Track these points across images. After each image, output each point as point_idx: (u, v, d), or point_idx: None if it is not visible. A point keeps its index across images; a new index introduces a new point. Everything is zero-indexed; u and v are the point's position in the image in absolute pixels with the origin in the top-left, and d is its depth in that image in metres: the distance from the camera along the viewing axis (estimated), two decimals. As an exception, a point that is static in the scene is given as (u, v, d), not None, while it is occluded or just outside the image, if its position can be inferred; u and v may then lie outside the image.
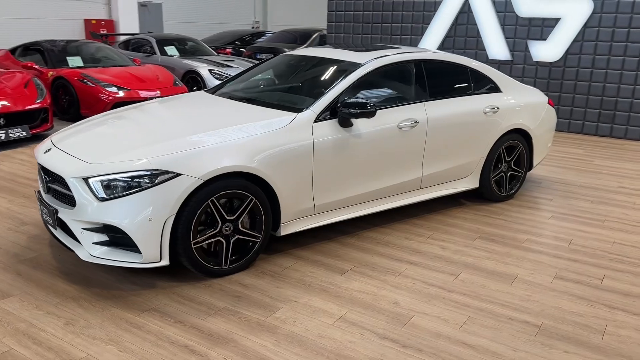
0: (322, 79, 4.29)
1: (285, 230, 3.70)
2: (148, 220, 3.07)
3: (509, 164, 5.04)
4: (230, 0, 18.85)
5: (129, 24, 14.72)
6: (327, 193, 3.83)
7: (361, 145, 3.92)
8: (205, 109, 4.02)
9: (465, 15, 9.34)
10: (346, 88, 3.95)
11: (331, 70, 4.30)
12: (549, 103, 5.42)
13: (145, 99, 8.14)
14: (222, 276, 3.42)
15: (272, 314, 3.01)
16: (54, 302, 3.08)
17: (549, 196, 5.30)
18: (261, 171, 3.40)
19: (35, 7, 13.01)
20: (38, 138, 6.96)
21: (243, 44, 15.66)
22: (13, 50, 9.64)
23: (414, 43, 9.90)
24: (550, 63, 8.69)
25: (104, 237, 3.18)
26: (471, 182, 4.83)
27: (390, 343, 2.77)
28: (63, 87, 8.51)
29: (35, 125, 7.03)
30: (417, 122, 4.22)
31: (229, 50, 15.01)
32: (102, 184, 3.11)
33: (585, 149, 7.45)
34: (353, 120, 3.87)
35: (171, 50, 11.43)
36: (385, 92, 4.35)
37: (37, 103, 7.04)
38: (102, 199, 3.10)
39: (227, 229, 3.38)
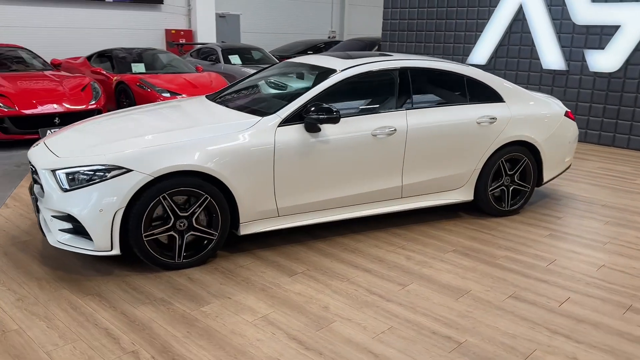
0: (300, 85, 4.38)
1: (245, 230, 3.82)
2: (99, 211, 3.33)
3: (511, 177, 4.80)
4: (308, 10, 19.30)
5: (206, 33, 15.58)
6: (292, 196, 3.90)
7: (329, 151, 3.95)
8: (188, 112, 4.24)
9: (519, 23, 8.95)
10: (317, 94, 4.01)
11: (310, 76, 4.37)
12: (567, 115, 5.09)
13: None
14: (175, 269, 3.61)
15: (199, 308, 3.14)
16: (20, 280, 3.43)
17: (560, 214, 4.97)
18: (216, 171, 3.55)
19: (121, 17, 14.17)
20: (89, 137, 7.63)
21: (315, 53, 16.00)
22: (90, 57, 10.60)
23: (467, 51, 9.63)
24: (609, 74, 8.08)
25: (68, 225, 3.48)
26: (465, 194, 4.66)
27: (295, 344, 2.80)
28: (124, 91, 9.24)
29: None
30: (394, 130, 4.17)
31: (298, 59, 15.39)
32: (66, 176, 3.42)
33: (633, 167, 6.85)
34: (321, 126, 3.92)
35: (234, 59, 11.96)
36: (364, 99, 4.34)
37: (91, 105, 7.72)
38: (65, 190, 3.40)
39: (182, 225, 3.56)
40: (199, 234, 3.63)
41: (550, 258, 3.98)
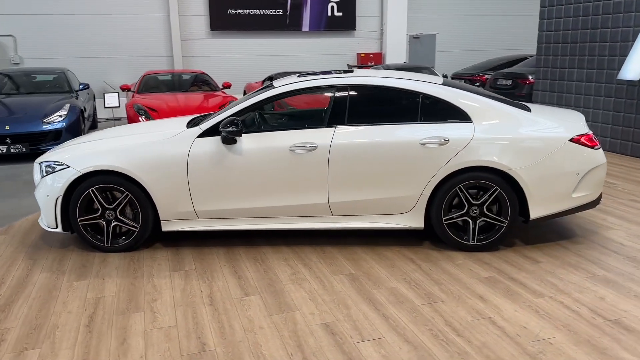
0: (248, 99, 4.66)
1: (166, 227, 4.36)
2: (46, 196, 4.32)
3: (480, 208, 4.20)
4: (508, 26, 18.05)
5: (396, 55, 16.11)
6: (208, 202, 4.28)
7: (243, 163, 4.21)
8: (155, 124, 4.93)
9: (682, 29, 7.16)
10: (243, 108, 4.32)
11: (257, 93, 4.64)
12: (577, 141, 4.18)
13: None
14: (106, 252, 4.37)
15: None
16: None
17: (541, 258, 4.11)
18: (132, 172, 4.21)
19: (315, 44, 15.76)
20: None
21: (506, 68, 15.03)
22: (264, 81, 12.28)
23: (620, 63, 8.07)
24: None
25: (44, 206, 4.58)
26: (412, 221, 4.28)
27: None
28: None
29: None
30: (316, 146, 4.17)
31: (485, 77, 14.72)
32: (44, 167, 4.51)
33: None
34: (239, 139, 4.21)
35: (394, 78, 12.26)
36: (293, 114, 4.41)
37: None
38: (42, 177, 4.50)
39: (110, 215, 4.32)
40: (122, 224, 4.33)
41: (440, 298, 3.47)
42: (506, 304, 3.38)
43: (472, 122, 4.23)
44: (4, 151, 8.02)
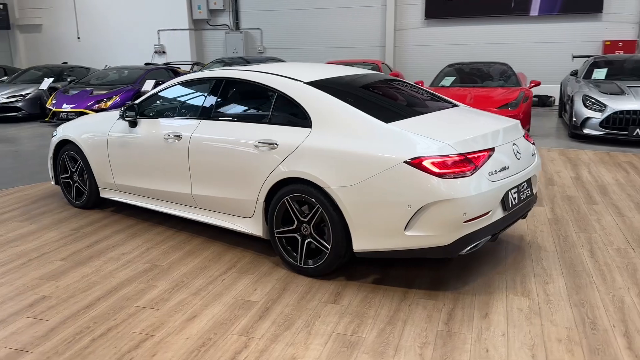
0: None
1: (102, 193, 5.13)
2: (49, 158, 5.61)
3: (310, 227, 3.63)
4: None
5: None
6: (122, 177, 4.86)
7: (137, 146, 4.62)
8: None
9: None
10: (149, 95, 4.70)
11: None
12: (415, 164, 3.18)
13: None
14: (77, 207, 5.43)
15: None
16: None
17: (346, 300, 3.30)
18: (80, 145, 5.10)
19: (550, 31, 13.68)
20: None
21: None
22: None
23: None
24: None
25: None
26: (255, 228, 3.96)
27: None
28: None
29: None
30: (180, 136, 4.27)
31: None
32: None
33: None
34: (138, 122, 4.64)
35: (599, 73, 9.95)
36: (183, 104, 4.50)
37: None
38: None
39: (76, 177, 5.34)
40: (79, 186, 5.29)
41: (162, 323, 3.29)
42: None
43: (311, 127, 3.64)
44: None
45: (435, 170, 3.16)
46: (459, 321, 3.08)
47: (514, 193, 3.56)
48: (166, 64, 14.24)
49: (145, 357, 2.76)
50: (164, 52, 16.58)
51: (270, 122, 3.87)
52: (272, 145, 3.72)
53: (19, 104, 11.90)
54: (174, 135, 4.30)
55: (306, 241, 3.65)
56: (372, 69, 11.19)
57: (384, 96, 4.16)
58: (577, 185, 5.93)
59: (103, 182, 5.07)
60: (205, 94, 4.34)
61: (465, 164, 3.22)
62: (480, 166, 3.28)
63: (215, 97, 4.26)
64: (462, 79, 10.30)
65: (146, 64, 13.90)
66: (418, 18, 14.46)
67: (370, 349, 2.81)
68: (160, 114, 4.60)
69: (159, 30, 16.44)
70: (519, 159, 3.64)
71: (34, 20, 17.72)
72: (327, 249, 3.54)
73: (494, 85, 9.86)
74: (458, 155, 3.22)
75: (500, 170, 3.42)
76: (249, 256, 4.06)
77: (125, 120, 4.65)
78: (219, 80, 4.29)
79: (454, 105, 4.29)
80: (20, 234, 4.63)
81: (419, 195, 3.17)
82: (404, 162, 3.20)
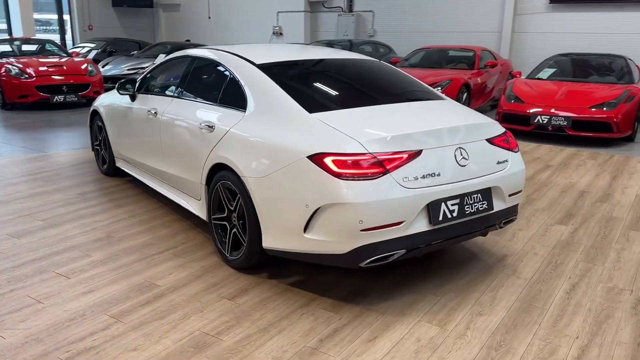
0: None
1: (117, 162, 5.41)
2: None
3: (237, 217, 3.46)
4: None
5: None
6: (123, 148, 5.10)
7: (132, 120, 4.79)
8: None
9: None
10: (148, 72, 4.82)
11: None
12: (317, 160, 2.86)
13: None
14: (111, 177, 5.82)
15: None
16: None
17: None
18: (102, 115, 5.43)
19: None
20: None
21: None
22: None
23: None
24: None
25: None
26: (201, 211, 3.89)
27: None
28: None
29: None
30: (156, 113, 4.33)
31: None
32: None
33: None
34: (136, 96, 4.79)
35: None
36: (165, 82, 4.52)
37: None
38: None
39: (101, 146, 5.71)
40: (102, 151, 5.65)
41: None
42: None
43: (245, 111, 3.45)
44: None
45: (335, 169, 2.81)
46: (337, 340, 2.74)
47: (451, 205, 3.03)
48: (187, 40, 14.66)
49: (15, 322, 2.86)
50: (280, 33, 16.99)
51: (219, 103, 3.74)
52: (210, 128, 3.60)
53: (136, 77, 13.06)
54: (154, 112, 4.38)
55: (232, 231, 3.49)
56: (469, 56, 10.35)
57: (341, 83, 3.78)
58: (636, 206, 4.91)
59: (115, 152, 5.35)
60: (181, 73, 4.33)
61: (372, 165, 2.81)
62: (392, 170, 2.84)
63: (186, 76, 4.23)
64: (564, 72, 9.09)
65: (186, 40, 14.39)
66: (542, 2, 12.98)
67: (216, 355, 2.61)
68: (150, 90, 4.70)
69: (278, 12, 16.86)
70: (462, 166, 3.08)
71: (173, 0, 19.23)
72: (243, 241, 3.36)
73: (600, 80, 8.56)
74: (365, 154, 2.82)
75: (425, 176, 2.93)
76: (198, 239, 4.01)
77: (120, 94, 4.83)
78: (192, 59, 4.26)
79: (440, 99, 3.78)
80: (33, 192, 5.09)
81: (317, 195, 2.84)
82: (307, 157, 2.89)
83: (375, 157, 2.83)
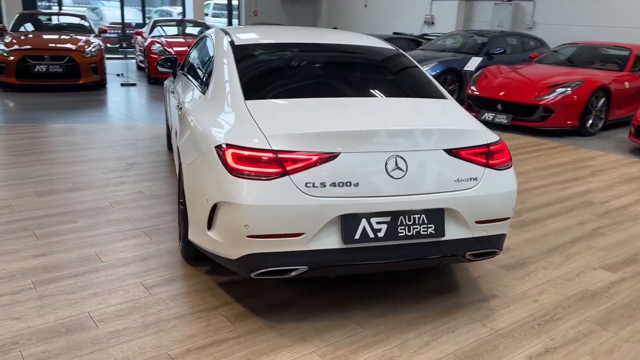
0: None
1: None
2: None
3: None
4: None
5: None
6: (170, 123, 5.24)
7: (171, 95, 4.87)
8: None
9: None
10: (190, 51, 4.85)
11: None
12: (224, 151, 2.56)
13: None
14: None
15: None
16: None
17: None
18: (165, 90, 5.66)
19: None
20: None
21: None
22: None
23: None
24: None
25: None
26: (184, 193, 3.81)
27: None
28: None
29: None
30: (173, 91, 4.34)
31: None
32: None
33: None
34: (177, 74, 4.87)
35: None
36: (189, 60, 4.46)
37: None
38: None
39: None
40: (166, 130, 5.88)
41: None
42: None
43: (204, 93, 3.25)
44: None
45: (231, 163, 2.48)
46: (204, 354, 2.44)
47: (377, 223, 2.49)
48: (395, 33, 13.97)
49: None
50: (432, 22, 16.17)
51: (201, 83, 3.59)
52: (179, 109, 3.49)
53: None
54: (171, 90, 4.42)
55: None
56: (623, 55, 8.69)
57: (311, 71, 3.31)
58: None
59: (169, 127, 5.54)
60: (193, 53, 4.28)
61: (270, 164, 2.42)
62: (293, 172, 2.41)
63: (195, 56, 4.17)
64: None
65: (394, 33, 13.86)
66: None
67: (76, 343, 2.50)
68: (182, 69, 4.73)
69: (432, 0, 16.06)
70: (395, 178, 2.50)
71: (336, -12, 19.50)
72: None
73: None
74: (266, 151, 2.44)
75: (339, 185, 2.44)
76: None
77: (159, 70, 4.92)
78: (202, 38, 4.19)
79: (438, 98, 3.16)
80: (92, 158, 5.51)
81: (214, 190, 2.56)
82: (215, 147, 2.61)
83: (276, 155, 2.43)
